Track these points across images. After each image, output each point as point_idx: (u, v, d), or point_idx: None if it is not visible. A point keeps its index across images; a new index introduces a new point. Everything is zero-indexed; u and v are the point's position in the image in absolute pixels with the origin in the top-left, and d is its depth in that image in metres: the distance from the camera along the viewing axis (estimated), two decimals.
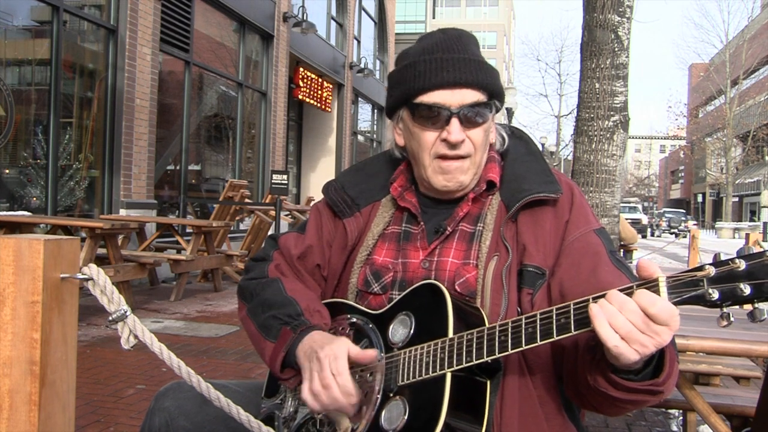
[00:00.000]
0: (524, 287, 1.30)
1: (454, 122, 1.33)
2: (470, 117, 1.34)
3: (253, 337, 1.43)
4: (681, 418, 3.55)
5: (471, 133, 1.36)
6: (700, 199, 54.83)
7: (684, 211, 51.61)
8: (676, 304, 1.01)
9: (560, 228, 1.35)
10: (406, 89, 1.38)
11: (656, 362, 1.11)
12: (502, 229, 1.35)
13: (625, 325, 1.02)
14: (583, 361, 1.18)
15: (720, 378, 2.98)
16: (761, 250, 0.99)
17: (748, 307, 1.00)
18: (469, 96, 1.34)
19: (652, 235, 38.28)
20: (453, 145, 1.35)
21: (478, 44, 1.44)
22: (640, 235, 31.61)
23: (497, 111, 1.46)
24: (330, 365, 1.21)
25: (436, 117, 1.35)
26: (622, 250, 7.49)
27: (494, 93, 1.38)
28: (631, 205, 41.91)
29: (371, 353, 1.25)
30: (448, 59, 1.35)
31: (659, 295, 1.02)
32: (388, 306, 1.33)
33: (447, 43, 1.39)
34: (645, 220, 37.13)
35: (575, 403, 1.30)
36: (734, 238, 33.24)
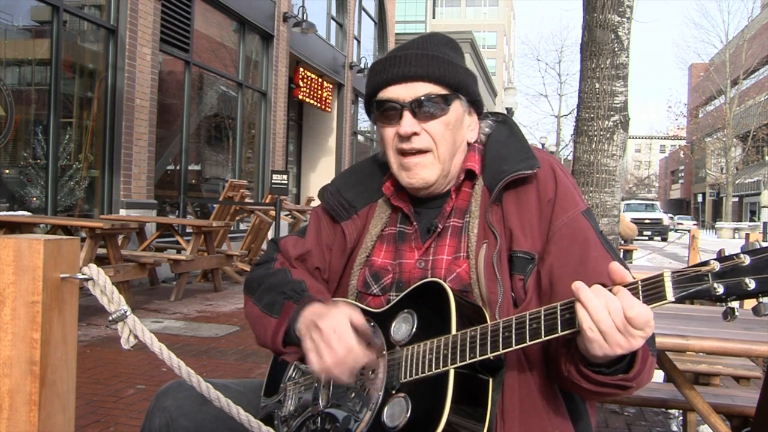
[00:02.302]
0: (515, 273, 1.30)
1: (405, 115, 1.35)
2: (423, 109, 1.35)
3: (257, 320, 1.42)
4: (681, 418, 3.55)
5: (428, 125, 1.35)
6: (700, 199, 54.88)
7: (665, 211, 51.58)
8: (680, 299, 1.03)
9: (545, 208, 1.33)
10: (369, 90, 1.42)
11: (629, 358, 1.14)
12: (487, 215, 1.34)
13: (607, 321, 1.05)
14: (558, 353, 1.21)
15: (720, 378, 2.98)
16: (766, 245, 1.00)
17: (751, 302, 1.01)
18: (422, 89, 1.35)
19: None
20: (407, 139, 1.35)
21: (453, 45, 1.44)
22: (659, 238, 27.75)
23: (476, 108, 1.44)
24: (334, 342, 1.21)
25: (391, 112, 1.37)
26: (622, 251, 7.43)
27: (455, 86, 1.38)
28: (649, 202, 35.10)
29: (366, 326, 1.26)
30: (401, 56, 1.38)
31: (664, 289, 1.03)
32: (390, 304, 1.33)
33: (411, 42, 1.41)
34: (666, 220, 30.52)
35: (557, 386, 1.30)
36: (734, 238, 33.18)
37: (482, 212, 1.35)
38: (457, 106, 1.39)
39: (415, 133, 1.35)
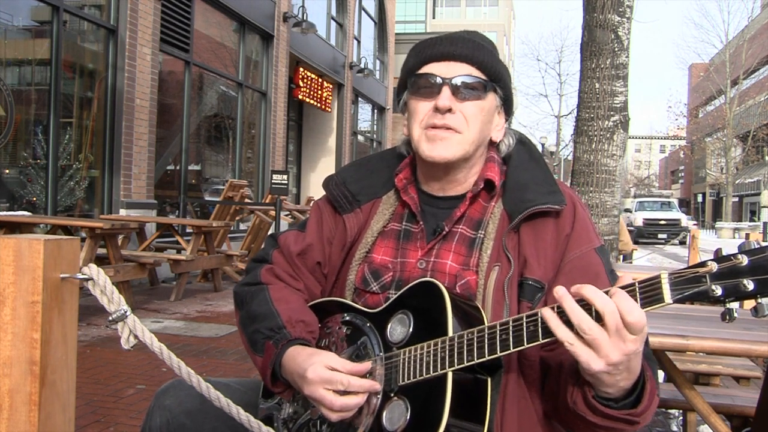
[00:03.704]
0: (523, 300, 1.29)
1: (444, 90, 1.35)
2: (462, 89, 1.36)
3: (246, 348, 1.44)
4: (681, 418, 3.55)
5: (463, 106, 1.36)
6: (700, 199, 54.81)
7: None
8: (678, 301, 1.01)
9: (561, 241, 1.33)
10: (409, 65, 1.43)
11: (637, 394, 1.13)
12: (504, 239, 1.33)
13: (592, 330, 1.03)
14: (566, 383, 1.19)
15: (720, 378, 2.98)
16: (764, 245, 0.98)
17: (751, 301, 0.99)
18: (464, 70, 1.37)
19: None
20: (441, 114, 1.35)
21: (494, 46, 1.46)
22: (677, 240, 23.20)
23: (506, 110, 1.45)
24: (332, 403, 1.21)
25: (429, 87, 1.37)
26: (621, 254, 7.38)
27: (495, 76, 1.40)
28: (665, 200, 30.45)
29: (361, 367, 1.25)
30: (447, 37, 1.41)
31: (662, 292, 1.01)
32: (385, 305, 1.32)
33: (455, 32, 1.44)
34: (684, 220, 26.54)
35: (555, 421, 1.29)
36: (734, 238, 33.07)
37: (498, 235, 1.35)
38: (492, 98, 1.41)
39: (451, 110, 1.35)
